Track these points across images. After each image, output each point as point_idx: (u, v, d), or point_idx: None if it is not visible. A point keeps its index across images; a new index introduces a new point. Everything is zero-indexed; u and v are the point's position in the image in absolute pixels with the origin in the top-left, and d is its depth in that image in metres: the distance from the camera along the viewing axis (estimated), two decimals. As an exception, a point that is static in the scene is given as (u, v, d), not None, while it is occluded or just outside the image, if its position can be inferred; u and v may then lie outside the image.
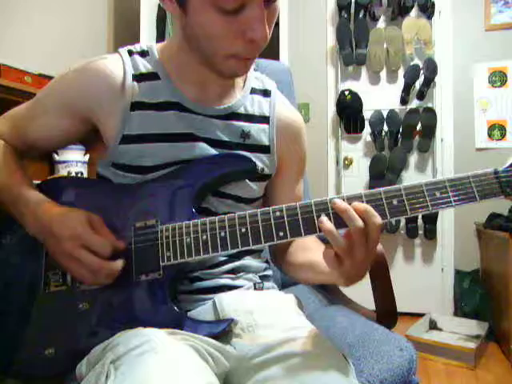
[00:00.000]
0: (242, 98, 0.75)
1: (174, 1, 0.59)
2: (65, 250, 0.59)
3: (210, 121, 0.71)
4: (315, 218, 0.55)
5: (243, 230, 0.57)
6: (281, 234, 0.56)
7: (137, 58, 0.71)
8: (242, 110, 0.74)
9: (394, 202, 0.54)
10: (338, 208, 0.53)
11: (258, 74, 0.81)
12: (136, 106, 0.68)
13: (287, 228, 0.56)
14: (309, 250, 0.71)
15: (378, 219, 0.52)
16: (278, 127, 0.76)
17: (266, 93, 0.78)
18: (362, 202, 0.54)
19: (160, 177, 0.67)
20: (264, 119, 0.76)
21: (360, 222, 0.52)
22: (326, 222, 0.53)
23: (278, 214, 0.57)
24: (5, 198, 0.67)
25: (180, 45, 0.68)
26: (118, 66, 0.69)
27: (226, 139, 0.71)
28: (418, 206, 0.54)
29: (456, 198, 0.54)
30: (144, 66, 0.70)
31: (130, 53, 0.72)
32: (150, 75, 0.70)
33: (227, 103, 0.73)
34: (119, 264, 0.60)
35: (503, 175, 0.54)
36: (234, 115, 0.73)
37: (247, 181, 0.72)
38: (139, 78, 0.69)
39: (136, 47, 0.73)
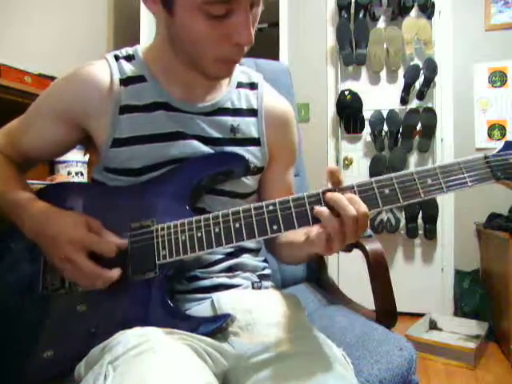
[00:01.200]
0: (228, 93, 0.75)
1: (159, 3, 0.60)
2: (62, 253, 0.59)
3: (199, 118, 0.71)
4: (308, 210, 0.56)
5: (237, 225, 0.58)
6: (274, 227, 0.57)
7: (123, 62, 0.72)
8: (229, 105, 0.74)
9: (386, 191, 0.55)
10: (330, 198, 0.54)
11: (244, 67, 0.82)
12: (125, 109, 0.69)
13: (280, 221, 0.56)
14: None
15: (362, 207, 0.53)
16: (266, 118, 0.77)
17: (252, 86, 0.79)
18: (354, 192, 0.55)
19: (154, 177, 0.68)
20: (252, 112, 0.76)
21: (353, 210, 0.52)
22: (320, 207, 0.54)
23: (271, 207, 0.57)
24: (3, 205, 0.67)
25: (164, 46, 0.69)
26: (105, 71, 0.70)
27: (217, 135, 0.72)
28: (410, 193, 0.55)
29: (447, 185, 0.54)
30: (130, 69, 0.71)
31: (117, 58, 0.72)
32: (136, 78, 0.71)
33: (214, 99, 0.74)
34: (115, 273, 0.60)
35: (493, 159, 0.54)
36: (221, 110, 0.73)
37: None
38: (126, 81, 0.70)
39: (122, 52, 0.74)
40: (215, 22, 0.58)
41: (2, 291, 0.67)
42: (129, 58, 0.73)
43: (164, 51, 0.70)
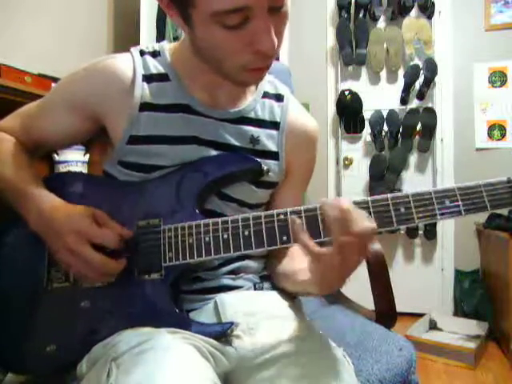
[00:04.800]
0: (253, 102, 0.74)
1: (180, 16, 0.59)
2: (67, 245, 0.58)
3: (220, 124, 0.70)
4: (319, 222, 0.54)
5: (246, 232, 0.57)
6: (284, 238, 0.55)
7: (148, 58, 0.70)
8: (252, 115, 0.73)
9: (402, 209, 0.53)
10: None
11: (272, 77, 0.79)
12: (145, 106, 0.67)
13: (290, 232, 0.55)
14: (297, 259, 0.69)
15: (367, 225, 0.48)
16: (288, 134, 0.75)
17: (278, 98, 0.77)
18: (368, 207, 0.53)
19: (164, 176, 0.67)
20: (274, 125, 0.74)
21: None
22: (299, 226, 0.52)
23: (281, 217, 0.56)
24: (10, 194, 0.66)
25: (190, 51, 0.67)
26: (128, 65, 0.69)
27: (235, 143, 0.70)
28: (426, 214, 0.52)
29: (466, 208, 0.52)
30: (155, 66, 0.70)
31: (142, 53, 0.71)
32: (160, 76, 0.69)
33: (238, 107, 0.72)
34: (121, 263, 0.59)
35: None
36: (244, 119, 0.72)
37: (253, 186, 0.71)
38: (149, 78, 0.68)
39: (148, 47, 0.72)
40: (233, 32, 0.54)
41: (7, 285, 0.66)
42: (154, 55, 0.71)
43: (190, 56, 0.68)
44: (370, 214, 0.52)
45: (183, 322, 0.60)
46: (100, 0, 2.50)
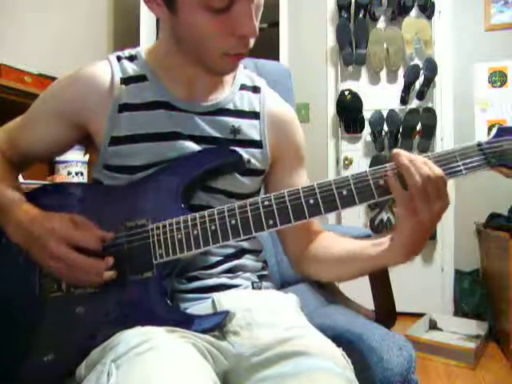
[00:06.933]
0: (230, 94, 0.75)
1: (163, 4, 0.60)
2: (50, 253, 0.59)
3: (200, 118, 0.71)
4: (304, 204, 0.57)
5: (233, 221, 0.58)
6: (270, 222, 0.57)
7: (125, 62, 0.72)
8: (231, 106, 0.74)
9: (381, 181, 0.56)
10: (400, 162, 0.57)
11: (248, 71, 0.82)
12: (124, 107, 0.69)
13: (276, 216, 0.57)
14: (342, 242, 0.72)
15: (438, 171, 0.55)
16: (268, 122, 0.77)
17: (255, 89, 0.79)
18: (349, 184, 0.56)
19: (147, 176, 0.68)
20: (254, 115, 0.76)
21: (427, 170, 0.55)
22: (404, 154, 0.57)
23: (266, 203, 0.58)
24: None
25: (168, 47, 0.69)
26: (106, 71, 0.71)
27: (217, 135, 0.71)
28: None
29: (445, 173, 0.55)
30: (132, 69, 0.71)
31: (119, 58, 0.73)
32: (137, 77, 0.71)
33: (215, 99, 0.73)
34: (108, 261, 0.59)
35: (487, 146, 0.55)
36: (222, 111, 0.73)
37: (237, 175, 0.72)
38: (127, 80, 0.70)
39: (124, 53, 0.74)
40: (218, 16, 0.57)
41: (0, 296, 0.66)
42: (131, 59, 0.73)
43: (167, 51, 0.70)
44: (335, 196, 0.57)
45: (179, 317, 0.60)
46: (100, 0, 2.51)
